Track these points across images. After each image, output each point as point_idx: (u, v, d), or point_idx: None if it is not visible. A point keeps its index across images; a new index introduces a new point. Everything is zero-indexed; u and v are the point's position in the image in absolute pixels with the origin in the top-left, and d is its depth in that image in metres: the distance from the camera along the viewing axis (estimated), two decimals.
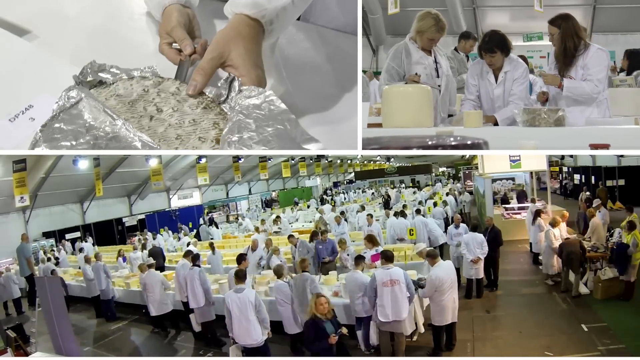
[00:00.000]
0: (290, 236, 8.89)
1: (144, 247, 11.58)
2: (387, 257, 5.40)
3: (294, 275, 6.40)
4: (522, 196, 14.43)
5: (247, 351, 5.22)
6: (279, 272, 6.11)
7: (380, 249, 7.19)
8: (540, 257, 8.71)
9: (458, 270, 7.89)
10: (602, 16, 10.12)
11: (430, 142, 3.04)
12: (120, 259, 11.26)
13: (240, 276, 5.39)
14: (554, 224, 8.13)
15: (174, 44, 3.26)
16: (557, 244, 7.80)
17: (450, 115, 5.04)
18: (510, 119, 4.61)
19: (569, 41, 4.38)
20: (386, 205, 19.12)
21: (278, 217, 15.54)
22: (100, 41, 3.48)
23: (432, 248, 6.22)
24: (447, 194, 16.86)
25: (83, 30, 3.51)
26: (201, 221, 20.45)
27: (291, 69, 3.47)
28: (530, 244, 9.72)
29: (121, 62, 3.21)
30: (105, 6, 3.74)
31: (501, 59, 4.74)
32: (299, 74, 3.46)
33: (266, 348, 5.29)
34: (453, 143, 3.07)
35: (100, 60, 3.15)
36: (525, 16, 9.66)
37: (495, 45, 4.70)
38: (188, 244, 10.69)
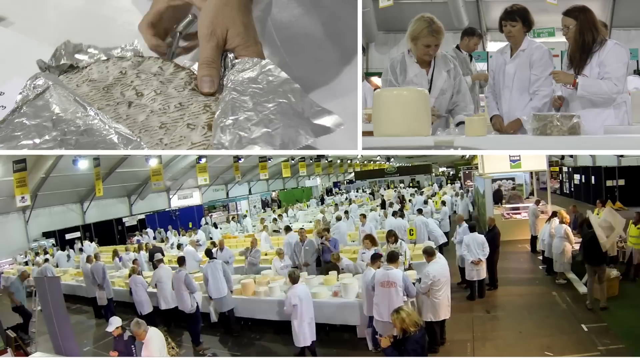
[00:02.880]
0: (301, 229, 8.81)
1: (139, 248, 11.55)
2: (390, 258, 5.33)
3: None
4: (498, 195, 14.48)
5: None
6: None
7: (379, 249, 7.18)
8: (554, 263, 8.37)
9: (463, 269, 7.90)
10: (623, 9, 9.04)
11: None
12: (117, 259, 11.25)
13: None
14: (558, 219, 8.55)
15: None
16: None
17: None
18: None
19: (587, 34, 3.89)
20: (383, 206, 19.13)
21: (279, 215, 15.54)
22: (81, 22, 3.15)
23: (430, 245, 6.19)
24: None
25: (63, 14, 3.24)
26: (203, 221, 20.49)
27: (285, 38, 3.08)
28: (543, 251, 9.18)
29: (104, 44, 2.83)
30: None
31: (522, 32, 4.40)
32: (294, 43, 3.08)
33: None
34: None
35: (84, 42, 2.77)
36: (536, 9, 8.81)
37: (517, 14, 4.39)
38: (179, 246, 10.66)
